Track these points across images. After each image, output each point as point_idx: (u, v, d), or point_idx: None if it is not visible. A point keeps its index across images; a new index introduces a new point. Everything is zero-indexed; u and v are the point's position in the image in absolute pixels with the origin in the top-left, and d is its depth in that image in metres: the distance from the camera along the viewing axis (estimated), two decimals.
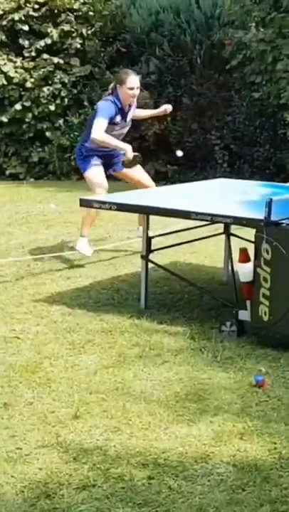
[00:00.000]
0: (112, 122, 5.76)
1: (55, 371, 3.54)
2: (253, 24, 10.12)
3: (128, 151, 5.66)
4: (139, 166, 6.13)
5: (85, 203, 4.53)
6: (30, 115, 11.32)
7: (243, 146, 10.83)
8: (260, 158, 10.88)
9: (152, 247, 4.61)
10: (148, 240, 4.55)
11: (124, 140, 6.03)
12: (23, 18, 11.32)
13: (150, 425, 3.00)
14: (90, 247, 5.81)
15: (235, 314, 4.10)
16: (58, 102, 11.28)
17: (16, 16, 11.31)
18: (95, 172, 5.86)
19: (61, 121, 11.34)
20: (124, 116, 5.88)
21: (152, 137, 11.02)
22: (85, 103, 11.27)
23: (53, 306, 4.62)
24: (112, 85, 5.99)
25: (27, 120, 11.34)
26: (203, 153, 11.01)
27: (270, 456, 2.80)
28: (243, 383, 3.42)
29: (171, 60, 10.95)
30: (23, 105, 11.31)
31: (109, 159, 5.98)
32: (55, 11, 11.41)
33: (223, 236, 5.18)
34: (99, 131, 5.69)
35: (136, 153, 5.80)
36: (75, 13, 11.45)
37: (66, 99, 11.34)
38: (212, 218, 4.04)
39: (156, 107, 11.10)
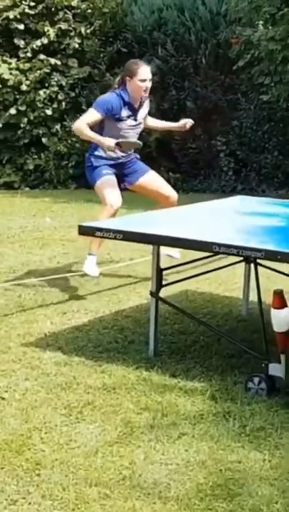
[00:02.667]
0: (117, 118, 5.08)
1: (46, 451, 2.84)
2: (262, 21, 9.57)
3: (106, 144, 4.97)
4: (156, 175, 5.46)
5: (84, 231, 3.83)
6: (25, 120, 10.79)
7: (249, 152, 10.34)
8: (268, 165, 10.38)
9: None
10: (159, 273, 3.86)
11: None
12: (18, 17, 10.83)
13: None
14: (96, 268, 5.12)
15: (264, 368, 3.41)
16: (54, 106, 10.74)
17: (11, 14, 10.81)
18: (107, 182, 5.15)
19: (58, 127, 10.80)
20: (134, 113, 5.18)
21: (154, 143, 10.39)
22: (84, 107, 10.59)
23: (46, 352, 3.93)
24: (118, 78, 5.28)
25: (22, 125, 10.80)
26: (207, 160, 10.45)
27: None
28: (282, 468, 2.73)
29: (174, 61, 10.40)
30: (17, 109, 10.78)
31: (122, 169, 5.28)
32: (53, 8, 10.88)
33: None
34: (80, 121, 5.12)
35: (134, 141, 5.10)
36: (73, 11, 10.90)
37: (64, 103, 10.78)
38: (239, 251, 3.34)
39: (158, 110, 10.64)
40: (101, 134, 5.15)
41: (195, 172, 10.67)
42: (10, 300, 4.94)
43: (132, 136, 5.25)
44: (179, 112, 10.15)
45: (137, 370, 3.65)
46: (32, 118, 10.76)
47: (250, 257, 3.42)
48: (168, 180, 10.68)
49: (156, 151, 10.59)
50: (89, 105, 10.62)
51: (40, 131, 10.82)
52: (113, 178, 5.20)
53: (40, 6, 10.81)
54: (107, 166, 5.21)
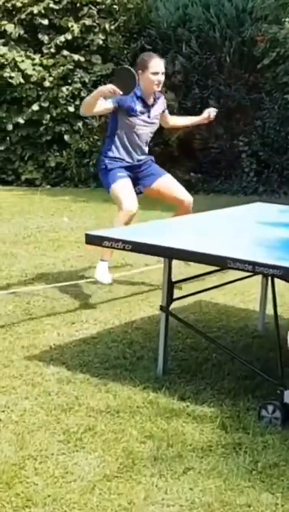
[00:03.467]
0: (130, 113, 4.87)
1: (39, 484, 2.63)
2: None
3: (105, 89, 4.74)
4: (171, 178, 5.23)
5: (91, 240, 3.61)
6: (48, 117, 10.65)
7: (272, 153, 10.11)
8: None
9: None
10: (170, 287, 3.63)
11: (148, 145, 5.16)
12: (42, 12, 10.70)
13: None
14: (108, 274, 4.90)
15: (279, 395, 3.17)
16: (77, 103, 10.55)
17: (36, 9, 10.68)
18: (122, 185, 4.93)
19: (80, 124, 10.63)
20: (147, 109, 4.95)
21: (175, 142, 10.16)
22: None
23: (49, 367, 3.73)
24: None
25: (44, 122, 10.66)
26: (228, 161, 10.22)
27: None
28: None
29: (198, 58, 10.18)
30: (40, 106, 10.65)
31: (137, 172, 5.06)
32: (77, 3, 10.67)
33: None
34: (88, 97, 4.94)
35: (129, 71, 4.79)
36: (98, 7, 10.73)
37: None
38: (255, 268, 3.10)
39: (180, 108, 10.42)
40: (115, 131, 4.95)
41: (216, 172, 10.45)
42: (18, 307, 4.75)
43: (146, 134, 5.04)
44: (202, 111, 9.90)
45: (144, 391, 3.43)
46: (54, 115, 10.63)
47: (265, 274, 3.18)
48: (189, 181, 10.63)
49: (178, 150, 10.37)
50: None
51: (63, 129, 10.69)
52: (128, 181, 4.99)
53: (64, 1, 10.67)
54: (122, 168, 4.99)
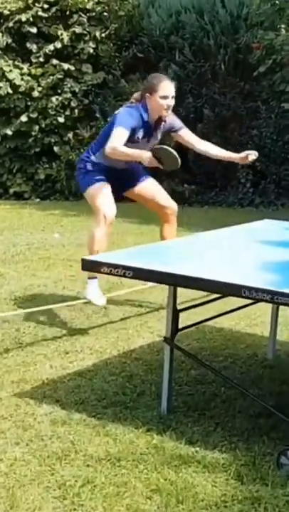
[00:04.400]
0: (131, 139, 4.47)
1: None
2: (285, 25, 9.06)
3: (144, 158, 4.36)
4: (154, 182, 4.89)
5: (88, 266, 3.28)
6: (36, 128, 10.38)
7: (269, 163, 9.85)
8: (287, 177, 9.86)
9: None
10: (175, 316, 3.30)
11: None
12: (31, 20, 10.44)
13: None
14: (101, 293, 4.56)
15: None
16: (67, 113, 10.30)
17: (24, 17, 10.41)
18: (99, 189, 4.58)
19: (70, 135, 10.37)
20: (149, 134, 4.57)
21: None
22: (97, 115, 10.20)
23: (42, 406, 3.38)
24: (136, 95, 4.66)
25: (33, 133, 10.39)
26: (224, 171, 9.94)
27: None
28: None
29: (192, 66, 9.92)
30: (29, 117, 10.38)
31: (119, 176, 4.68)
32: (67, 11, 10.41)
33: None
34: (118, 141, 4.37)
35: (159, 147, 4.47)
36: (88, 14, 10.47)
37: (76, 110, 10.34)
38: (274, 298, 2.77)
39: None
40: (97, 152, 4.61)
41: (211, 184, 10.18)
42: (7, 334, 4.40)
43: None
44: (196, 121, 9.66)
45: (147, 434, 3.09)
46: (44, 126, 10.36)
47: (286, 304, 2.85)
48: (182, 192, 10.34)
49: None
50: (103, 113, 10.33)
51: (52, 140, 10.42)
52: (107, 185, 4.62)
53: (53, 9, 10.40)
54: (102, 172, 4.63)
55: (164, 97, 4.48)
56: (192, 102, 9.93)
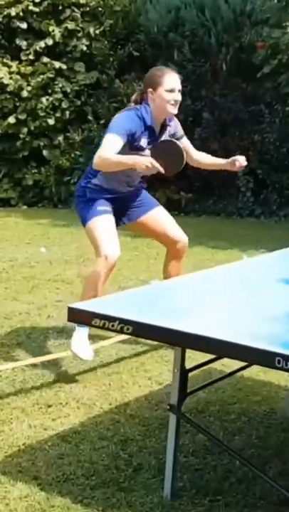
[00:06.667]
0: (134, 146, 3.81)
1: None
2: None
3: (144, 164, 3.62)
4: (165, 211, 4.23)
5: (75, 317, 2.62)
6: (25, 130, 9.88)
7: (271, 171, 9.35)
8: None
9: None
10: (183, 379, 2.65)
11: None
12: (20, 14, 10.00)
13: None
14: (89, 346, 3.86)
15: None
16: (58, 115, 9.78)
17: (13, 11, 9.96)
18: (103, 223, 3.89)
19: (61, 138, 9.83)
20: (154, 141, 3.89)
21: None
22: (90, 117, 9.60)
23: (16, 485, 2.74)
24: (135, 96, 3.98)
25: (21, 136, 9.86)
26: (223, 179, 9.37)
27: None
28: None
29: (191, 66, 9.40)
30: (17, 118, 9.87)
31: (123, 203, 4.03)
32: (59, 6, 9.84)
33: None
34: (107, 150, 3.71)
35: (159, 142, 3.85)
36: (81, 9, 9.98)
37: (68, 112, 9.77)
38: None
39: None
40: (98, 173, 3.94)
41: (209, 192, 9.62)
42: None
43: (139, 175, 4.04)
44: (194, 125, 9.06)
45: None
46: (32, 128, 9.85)
47: None
48: (178, 201, 9.74)
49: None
50: (95, 115, 9.69)
51: (41, 143, 9.87)
52: (111, 219, 3.93)
53: (45, 3, 9.97)
54: (106, 200, 3.96)
55: (171, 91, 3.81)
56: (190, 105, 9.34)
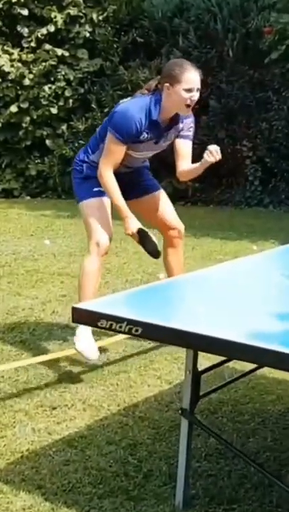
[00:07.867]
0: (135, 140, 3.67)
1: None
2: None
3: (128, 225, 3.68)
4: (165, 196, 4.07)
5: (81, 318, 2.46)
6: (27, 119, 9.67)
7: (280, 159, 9.10)
8: None
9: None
10: (195, 382, 2.49)
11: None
12: (21, 0, 9.80)
13: None
14: (94, 344, 3.71)
15: None
16: (61, 103, 9.59)
17: None
18: (97, 206, 3.77)
19: (64, 127, 9.63)
20: (157, 135, 3.71)
21: (169, 147, 9.06)
22: (94, 105, 9.41)
23: (19, 495, 2.59)
24: (152, 82, 3.76)
25: (24, 125, 9.65)
26: (230, 168, 9.18)
27: None
28: None
29: (197, 53, 9.17)
30: (19, 107, 9.68)
31: (123, 179, 3.77)
32: None
33: None
34: (108, 163, 3.65)
35: (154, 241, 3.74)
36: None
37: (71, 100, 9.60)
38: None
39: None
40: (97, 149, 3.80)
41: (216, 181, 9.39)
42: None
43: (141, 160, 3.91)
44: (201, 112, 8.85)
45: None
46: (35, 117, 9.66)
47: None
48: (185, 190, 9.55)
49: (172, 156, 9.26)
50: (99, 103, 9.47)
51: (44, 132, 9.67)
52: (106, 200, 3.79)
53: None
54: None
55: (189, 90, 3.58)
56: None
